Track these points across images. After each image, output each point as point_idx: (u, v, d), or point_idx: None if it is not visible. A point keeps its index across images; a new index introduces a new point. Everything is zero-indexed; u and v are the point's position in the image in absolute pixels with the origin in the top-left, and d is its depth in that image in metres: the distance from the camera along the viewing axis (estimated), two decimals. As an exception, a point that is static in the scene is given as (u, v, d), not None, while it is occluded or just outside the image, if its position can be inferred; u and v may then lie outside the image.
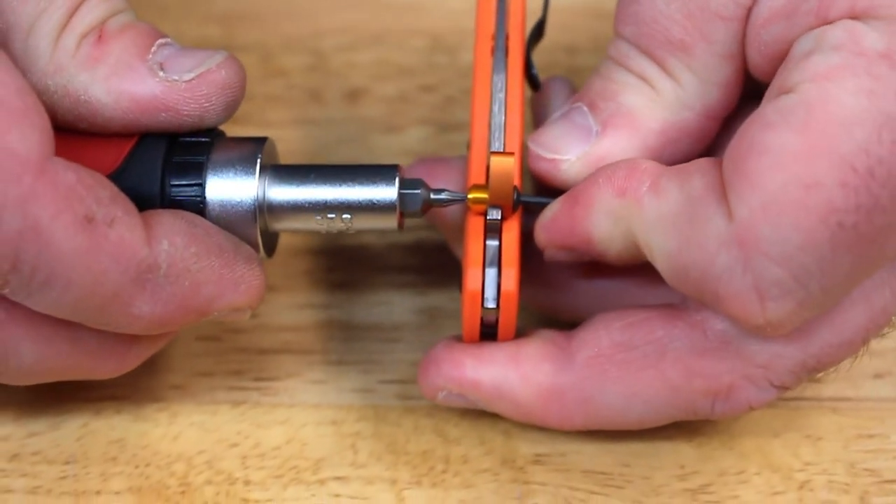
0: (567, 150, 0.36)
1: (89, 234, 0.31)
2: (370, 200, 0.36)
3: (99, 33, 0.35)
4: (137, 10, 0.51)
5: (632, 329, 0.36)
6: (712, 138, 0.37)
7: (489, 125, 0.37)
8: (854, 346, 0.35)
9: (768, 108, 0.32)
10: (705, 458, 0.39)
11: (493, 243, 0.35)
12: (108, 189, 0.32)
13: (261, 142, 0.36)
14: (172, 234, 0.33)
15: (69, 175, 0.31)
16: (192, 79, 0.35)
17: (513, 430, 0.39)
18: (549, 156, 0.36)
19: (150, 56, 0.35)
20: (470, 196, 0.36)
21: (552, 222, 0.36)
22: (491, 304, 0.35)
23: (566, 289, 0.40)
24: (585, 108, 0.37)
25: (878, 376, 0.41)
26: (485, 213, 0.36)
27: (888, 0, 0.32)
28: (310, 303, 0.43)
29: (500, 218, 0.35)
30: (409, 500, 0.38)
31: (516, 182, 0.36)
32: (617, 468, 0.39)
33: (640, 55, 0.36)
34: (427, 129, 0.48)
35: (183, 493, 0.38)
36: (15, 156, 0.30)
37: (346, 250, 0.44)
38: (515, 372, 0.36)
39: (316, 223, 0.36)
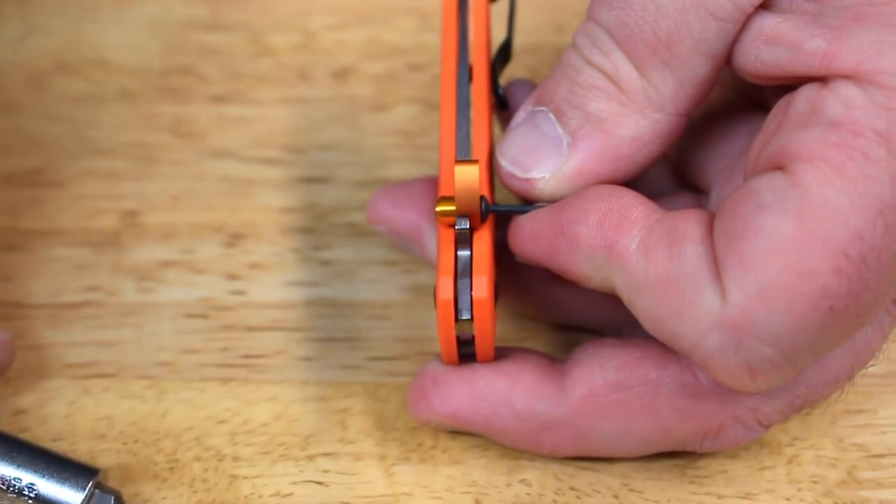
0: (539, 167, 0.35)
1: None
2: (55, 499, 0.35)
3: None
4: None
5: (626, 370, 0.36)
6: (682, 133, 0.36)
7: (456, 138, 0.37)
8: (840, 382, 0.36)
9: (763, 186, 0.32)
10: (694, 433, 0.39)
11: (464, 253, 0.35)
12: None
13: None
14: None
15: None
16: None
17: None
18: (523, 175, 0.36)
19: None
20: (438, 208, 0.35)
21: (531, 241, 0.35)
22: (465, 315, 0.35)
23: (545, 294, 0.40)
24: (552, 116, 0.36)
25: (866, 352, 0.41)
26: (454, 224, 0.35)
27: (894, 68, 0.31)
28: (297, 280, 0.43)
29: (469, 227, 0.35)
30: (398, 475, 0.38)
31: (485, 191, 0.36)
32: (606, 444, 0.39)
33: (616, 49, 0.35)
34: (415, 107, 0.48)
35: (171, 469, 0.38)
36: None
37: (334, 228, 0.44)
38: (509, 410, 0.36)
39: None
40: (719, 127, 0.38)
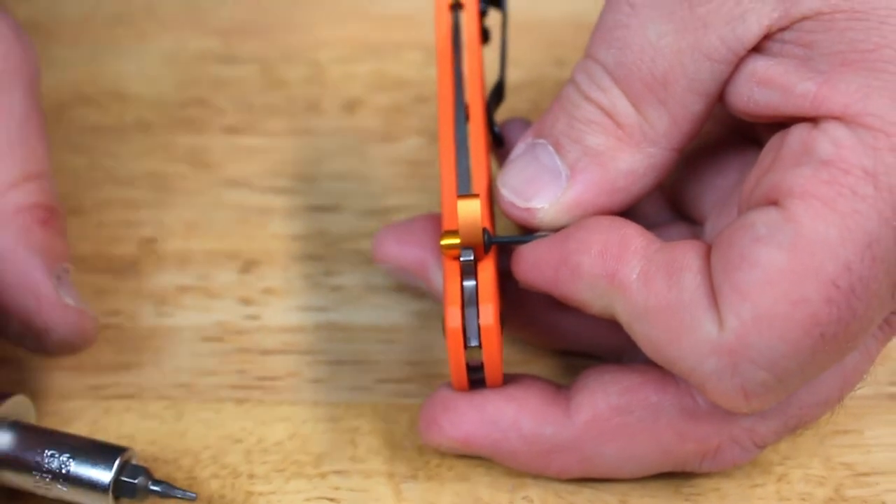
0: (539, 197, 0.37)
1: None
2: (87, 478, 0.37)
3: (45, 217, 0.39)
4: (139, 22, 0.53)
5: (628, 394, 0.37)
6: (675, 166, 0.37)
7: (456, 173, 0.39)
8: (830, 403, 0.37)
9: (758, 220, 0.33)
10: (688, 452, 0.40)
11: (470, 283, 0.36)
12: None
13: (3, 397, 0.38)
14: None
15: None
16: (71, 306, 0.39)
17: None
18: (523, 204, 0.37)
19: (57, 265, 0.39)
20: (443, 242, 0.36)
21: (535, 270, 0.37)
22: (473, 343, 0.36)
23: (548, 322, 0.41)
24: (551, 148, 0.37)
25: (853, 375, 0.42)
26: (459, 256, 0.36)
27: (880, 110, 0.32)
28: (309, 305, 0.44)
29: (473, 258, 0.36)
30: (406, 492, 0.39)
31: (487, 224, 0.37)
32: (604, 462, 0.40)
33: (613, 86, 0.36)
34: (422, 138, 0.49)
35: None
36: None
37: (344, 255, 0.46)
38: (517, 434, 0.37)
39: (33, 486, 0.37)
40: (713, 161, 0.40)
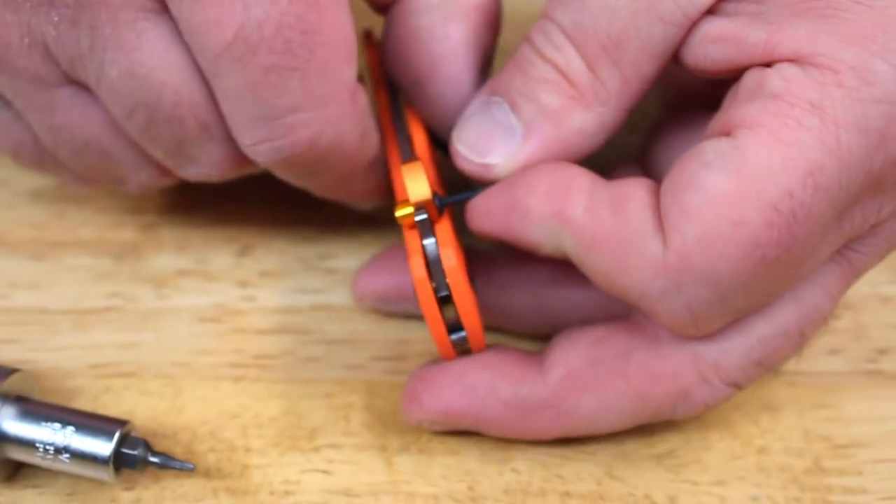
0: (493, 153, 0.38)
1: (359, 141, 0.39)
2: (89, 450, 0.38)
3: None
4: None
5: (597, 345, 0.38)
6: (622, 124, 0.38)
7: (398, 145, 0.40)
8: (790, 337, 0.38)
9: (708, 147, 0.34)
10: (671, 426, 0.41)
11: (430, 241, 0.37)
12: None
13: (7, 373, 0.39)
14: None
15: (363, 97, 0.39)
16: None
17: (494, 402, 0.42)
18: (478, 160, 0.38)
19: None
20: (397, 213, 0.37)
21: (486, 217, 0.38)
22: (443, 292, 0.37)
23: (530, 306, 0.42)
24: (506, 106, 0.38)
25: (832, 352, 0.44)
26: (414, 221, 0.37)
27: (829, 50, 0.34)
28: (304, 287, 0.46)
29: (428, 218, 0.37)
30: (397, 465, 0.40)
31: (435, 187, 0.38)
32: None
33: (568, 45, 0.37)
34: (415, 127, 0.51)
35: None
36: (347, 86, 0.37)
37: (338, 239, 0.47)
38: (495, 399, 0.38)
39: (37, 458, 0.38)
40: (682, 128, 0.41)
